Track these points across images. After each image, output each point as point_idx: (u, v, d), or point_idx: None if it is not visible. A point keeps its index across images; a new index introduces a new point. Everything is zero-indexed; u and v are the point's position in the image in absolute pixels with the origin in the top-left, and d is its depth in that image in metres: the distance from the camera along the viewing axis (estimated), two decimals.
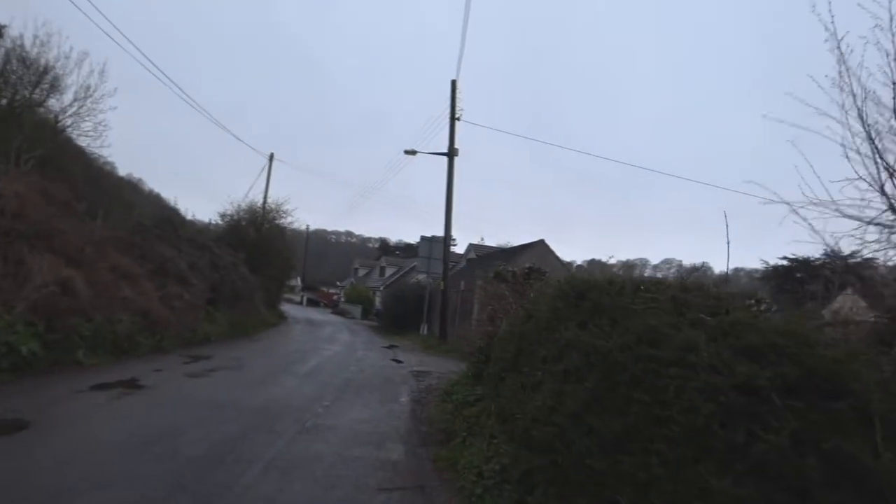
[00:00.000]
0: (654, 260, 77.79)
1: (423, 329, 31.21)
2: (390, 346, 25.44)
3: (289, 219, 38.39)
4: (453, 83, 28.06)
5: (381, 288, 62.92)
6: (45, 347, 10.59)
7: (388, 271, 72.92)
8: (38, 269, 11.55)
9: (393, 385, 14.09)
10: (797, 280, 12.01)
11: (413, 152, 28.39)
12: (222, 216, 34.99)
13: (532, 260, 33.14)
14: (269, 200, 39.45)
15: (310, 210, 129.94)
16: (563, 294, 6.05)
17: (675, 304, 4.64)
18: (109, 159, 22.96)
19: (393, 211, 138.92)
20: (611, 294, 5.16)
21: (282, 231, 38.36)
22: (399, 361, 19.49)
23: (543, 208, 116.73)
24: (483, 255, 43.63)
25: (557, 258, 35.00)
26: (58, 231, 13.19)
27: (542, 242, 36.00)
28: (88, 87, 18.42)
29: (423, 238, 29.92)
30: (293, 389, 11.62)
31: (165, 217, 20.77)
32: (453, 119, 27.79)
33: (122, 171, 28.74)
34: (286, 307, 44.90)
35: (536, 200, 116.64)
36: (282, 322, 33.50)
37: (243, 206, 36.18)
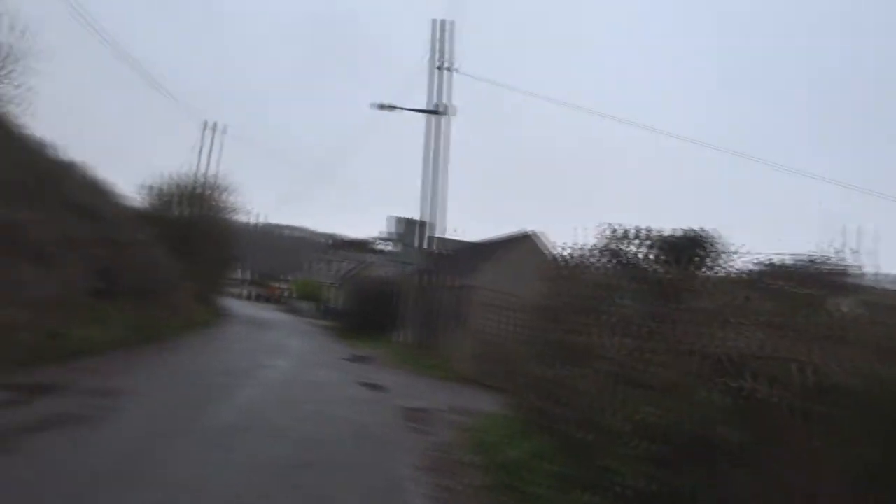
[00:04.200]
0: None
1: (403, 336, 24.98)
2: (357, 360, 19.32)
3: (232, 197, 32.09)
4: (443, 24, 22.13)
5: (337, 283, 56.46)
6: None
7: (343, 266, 66.56)
8: None
9: (381, 451, 8.02)
10: None
11: (391, 107, 22.27)
12: (150, 189, 28.16)
13: (519, 256, 27.53)
14: (209, 176, 33.17)
15: (258, 199, 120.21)
16: None
17: None
18: (50, 141, 16.92)
19: (348, 200, 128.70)
20: None
21: (223, 211, 31.97)
22: (376, 387, 13.44)
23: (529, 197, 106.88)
24: (460, 249, 37.63)
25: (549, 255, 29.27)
26: None
27: (531, 236, 30.24)
28: (11, 47, 14.33)
29: (400, 219, 23.80)
30: (183, 489, 5.44)
31: (36, 168, 14.11)
32: (440, 68, 21.84)
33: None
34: (229, 302, 38.36)
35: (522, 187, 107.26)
36: (217, 321, 27.10)
37: (177, 179, 29.60)
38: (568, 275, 6.81)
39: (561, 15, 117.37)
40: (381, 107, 22.30)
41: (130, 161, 65.22)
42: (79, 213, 14.04)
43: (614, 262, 6.28)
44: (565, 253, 7.06)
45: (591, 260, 6.59)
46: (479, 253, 31.76)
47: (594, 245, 6.58)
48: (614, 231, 6.27)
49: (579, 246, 6.79)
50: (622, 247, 6.17)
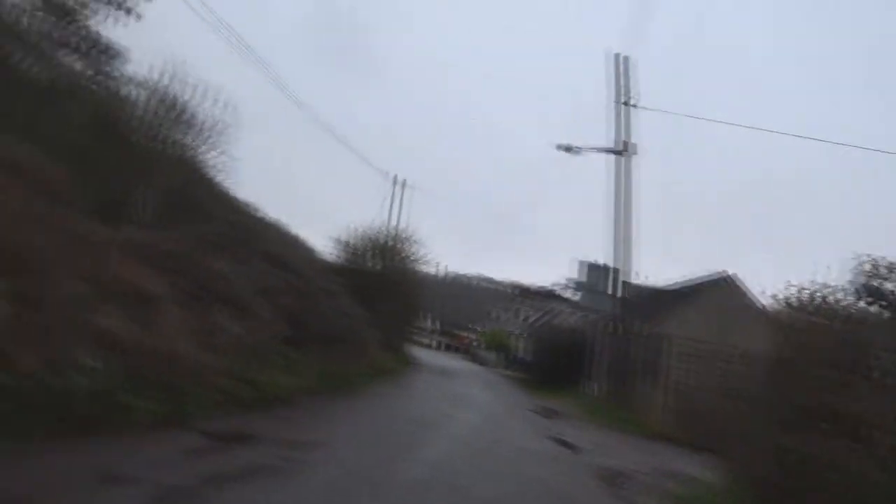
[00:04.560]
0: None
1: (591, 387, 23.74)
2: (545, 412, 18.40)
3: (419, 248, 32.80)
4: (618, 58, 21.25)
5: (522, 332, 55.84)
6: None
7: (528, 315, 65.92)
8: None
9: None
10: None
11: (572, 148, 21.57)
12: (340, 242, 29.53)
13: (716, 301, 25.36)
14: (395, 229, 34.32)
15: (443, 250, 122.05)
16: None
17: None
18: (251, 201, 19.21)
19: (531, 247, 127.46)
20: None
21: (410, 262, 32.69)
22: (566, 444, 12.49)
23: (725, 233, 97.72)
24: (649, 295, 35.50)
25: (750, 300, 26.63)
26: None
27: (729, 278, 27.79)
28: (217, 120, 15.70)
29: (586, 265, 22.82)
30: None
31: (233, 221, 15.00)
32: (623, 103, 20.89)
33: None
34: (416, 351, 38.94)
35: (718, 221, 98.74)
36: (405, 369, 27.41)
37: (365, 232, 30.82)
38: (809, 321, 5.57)
39: (753, 37, 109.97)
40: (563, 148, 21.71)
41: (322, 215, 69.63)
42: (274, 265, 14.64)
43: (875, 303, 5.01)
44: (800, 294, 5.83)
45: (840, 302, 5.33)
46: (671, 298, 29.75)
47: (842, 284, 5.33)
48: (874, 264, 5.01)
49: (820, 285, 5.55)
50: (888, 284, 4.88)
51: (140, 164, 14.26)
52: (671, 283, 32.64)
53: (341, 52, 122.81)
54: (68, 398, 6.86)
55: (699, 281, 29.72)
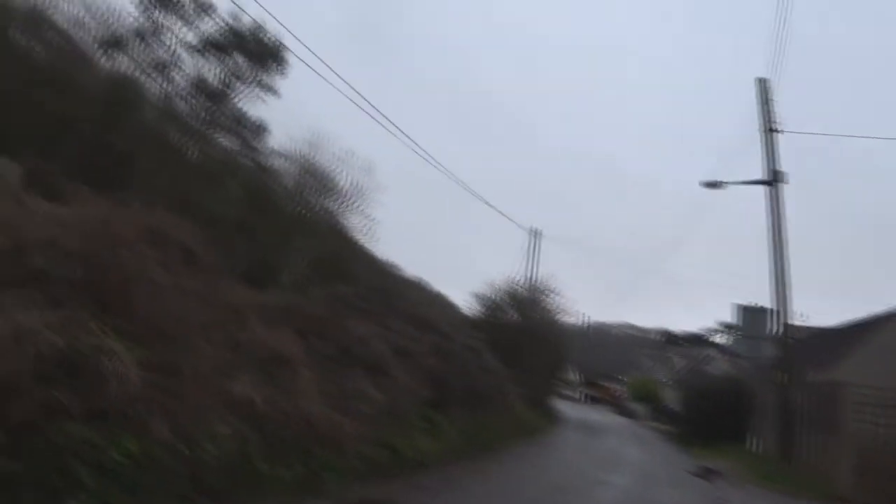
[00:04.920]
0: None
1: (753, 442, 21.79)
2: (705, 474, 16.88)
3: (559, 299, 32.04)
4: (760, 84, 20.01)
5: (669, 381, 52.97)
6: None
7: (676, 362, 62.64)
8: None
9: None
10: None
11: (718, 185, 20.33)
12: (479, 297, 29.42)
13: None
14: (534, 280, 33.88)
15: (583, 299, 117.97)
16: None
17: None
18: (392, 261, 20.26)
19: (674, 291, 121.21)
20: None
21: (550, 314, 31.96)
22: None
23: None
24: (813, 337, 32.19)
25: None
26: (137, 280, 7.76)
27: None
28: (357, 184, 16.56)
29: (743, 308, 21.25)
30: None
31: (374, 282, 15.26)
32: (771, 130, 19.51)
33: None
34: (560, 405, 37.77)
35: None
36: (550, 425, 26.57)
37: (504, 286, 30.58)
38: None
39: None
40: (708, 185, 20.53)
41: (461, 270, 70.22)
42: (415, 325, 14.61)
43: None
44: None
45: None
46: (842, 339, 26.75)
47: None
48: None
49: None
50: None
51: (286, 230, 15.00)
52: (839, 322, 29.35)
53: (469, 107, 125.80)
54: (201, 466, 6.85)
55: (875, 318, 26.51)
